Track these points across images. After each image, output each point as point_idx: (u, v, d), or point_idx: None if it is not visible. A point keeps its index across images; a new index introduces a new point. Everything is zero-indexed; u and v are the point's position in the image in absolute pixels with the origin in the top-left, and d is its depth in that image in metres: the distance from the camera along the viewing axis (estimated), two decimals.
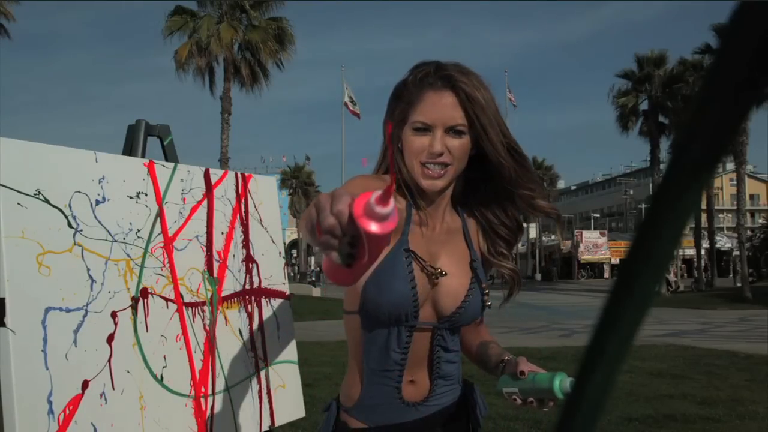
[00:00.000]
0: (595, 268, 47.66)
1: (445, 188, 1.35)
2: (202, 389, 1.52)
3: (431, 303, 1.34)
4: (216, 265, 1.61)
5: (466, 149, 1.32)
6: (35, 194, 1.23)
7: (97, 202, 1.34)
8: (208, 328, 1.56)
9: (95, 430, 1.26)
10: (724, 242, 42.40)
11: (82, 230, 1.29)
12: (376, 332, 1.32)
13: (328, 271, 0.78)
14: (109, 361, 1.31)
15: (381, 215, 0.67)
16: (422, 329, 1.34)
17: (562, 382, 1.22)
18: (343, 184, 1.30)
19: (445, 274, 1.33)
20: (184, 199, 1.54)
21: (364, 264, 0.73)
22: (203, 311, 1.55)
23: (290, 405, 1.80)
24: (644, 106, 27.81)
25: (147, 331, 1.40)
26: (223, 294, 1.62)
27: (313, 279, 35.83)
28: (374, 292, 1.27)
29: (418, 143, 1.31)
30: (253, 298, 1.71)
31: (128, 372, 1.35)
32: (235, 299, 1.65)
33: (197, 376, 1.51)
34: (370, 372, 1.34)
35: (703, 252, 29.07)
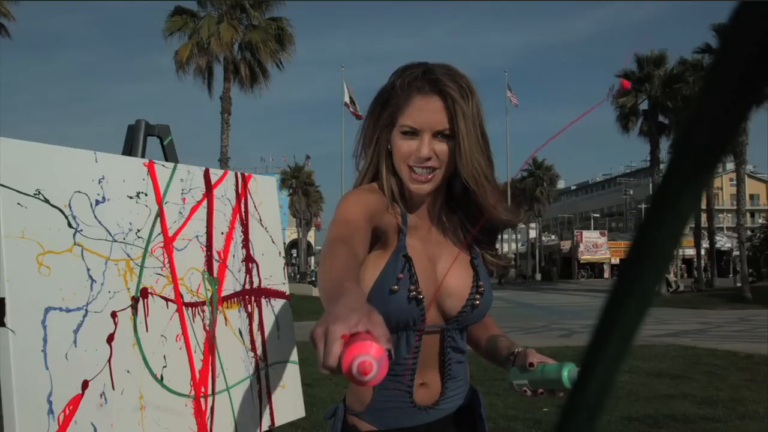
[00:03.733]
0: (595, 268, 47.66)
1: (432, 191, 1.35)
2: (202, 389, 1.52)
3: (436, 305, 1.34)
4: (216, 265, 1.61)
5: (454, 153, 1.32)
6: (35, 194, 1.22)
7: (97, 202, 1.34)
8: (208, 328, 1.55)
9: (95, 430, 1.26)
10: (724, 242, 42.42)
11: (82, 230, 1.29)
12: None
13: None
14: (109, 361, 1.31)
15: (366, 381, 0.74)
16: (431, 332, 1.34)
17: (570, 372, 1.23)
18: (339, 203, 1.26)
19: (422, 298, 1.31)
20: (184, 199, 1.54)
21: None
22: (203, 311, 1.55)
23: (290, 405, 1.80)
24: (644, 106, 27.81)
25: (147, 331, 1.40)
26: (223, 294, 1.61)
27: (313, 279, 35.78)
28: (378, 301, 1.27)
29: (406, 147, 1.31)
30: (253, 298, 1.71)
31: (128, 372, 1.35)
32: (235, 299, 1.65)
33: (197, 376, 1.51)
34: None
35: (703, 252, 29.07)
